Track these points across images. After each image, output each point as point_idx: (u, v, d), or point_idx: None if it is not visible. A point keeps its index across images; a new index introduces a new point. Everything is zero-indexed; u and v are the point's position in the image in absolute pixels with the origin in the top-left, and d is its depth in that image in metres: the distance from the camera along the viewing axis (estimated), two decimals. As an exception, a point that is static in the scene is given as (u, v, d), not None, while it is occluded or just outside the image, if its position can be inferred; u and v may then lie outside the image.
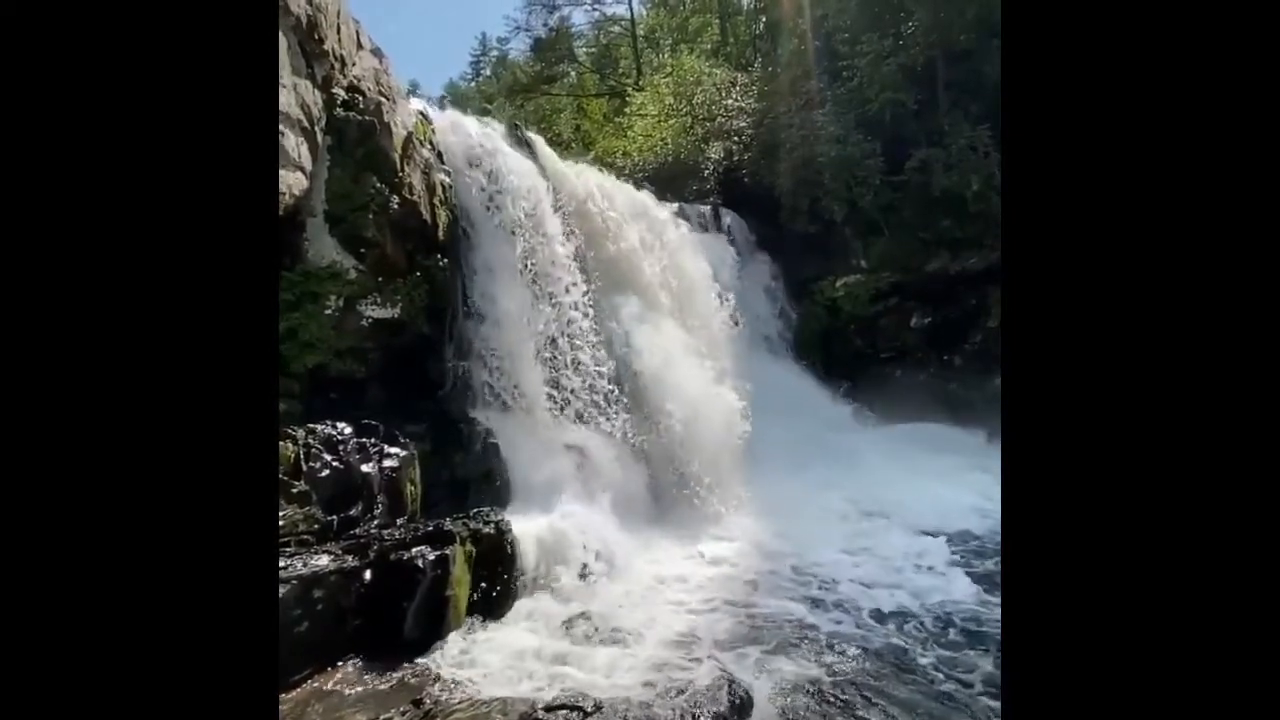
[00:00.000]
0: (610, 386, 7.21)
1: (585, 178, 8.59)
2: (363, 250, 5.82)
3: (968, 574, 5.28)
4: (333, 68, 5.83)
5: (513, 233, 6.92)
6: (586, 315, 7.32)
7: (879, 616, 4.65)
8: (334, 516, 4.51)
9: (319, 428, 4.85)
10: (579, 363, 7.04)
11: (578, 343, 7.12)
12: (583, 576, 5.00)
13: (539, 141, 8.27)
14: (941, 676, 3.84)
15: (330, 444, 4.81)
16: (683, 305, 9.05)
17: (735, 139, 13.71)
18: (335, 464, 4.70)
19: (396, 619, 3.91)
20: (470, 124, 7.52)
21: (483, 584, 4.41)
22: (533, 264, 6.96)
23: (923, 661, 4.02)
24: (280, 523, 4.12)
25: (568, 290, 7.18)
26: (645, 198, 9.83)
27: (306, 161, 5.43)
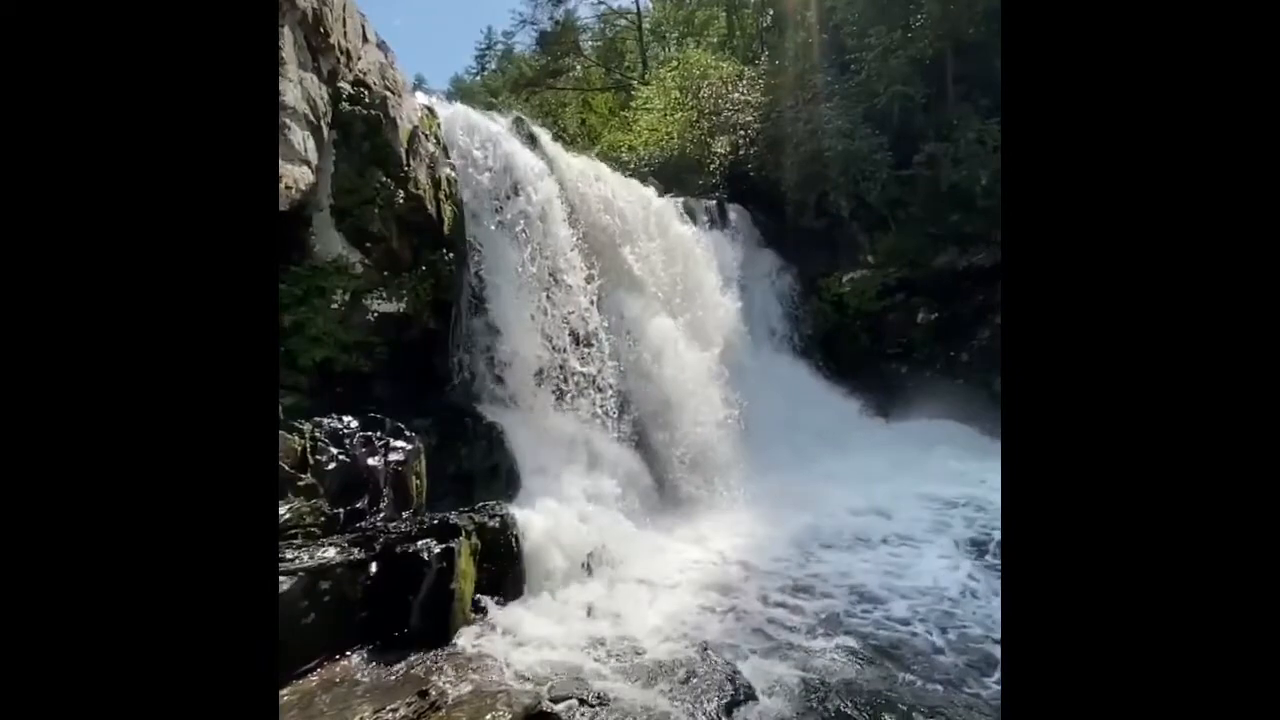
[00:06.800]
0: (615, 381, 7.23)
1: (591, 172, 8.58)
2: (369, 245, 5.84)
3: (964, 573, 5.27)
4: (338, 62, 5.83)
5: (518, 228, 6.92)
6: (592, 310, 7.33)
7: (879, 613, 4.65)
8: (340, 509, 4.54)
9: (325, 421, 4.88)
10: (584, 358, 7.06)
11: (583, 338, 7.13)
12: (587, 569, 5.03)
13: (544, 136, 8.26)
14: (942, 675, 3.83)
15: (337, 438, 4.84)
16: (688, 301, 9.05)
17: (741, 133, 13.62)
18: (342, 457, 4.73)
19: (402, 611, 3.94)
20: (476, 118, 7.52)
21: (487, 577, 4.43)
22: (538, 259, 6.97)
23: (925, 660, 4.01)
24: (287, 515, 4.15)
25: (573, 285, 7.19)
26: (650, 192, 9.81)
27: (312, 156, 5.43)
